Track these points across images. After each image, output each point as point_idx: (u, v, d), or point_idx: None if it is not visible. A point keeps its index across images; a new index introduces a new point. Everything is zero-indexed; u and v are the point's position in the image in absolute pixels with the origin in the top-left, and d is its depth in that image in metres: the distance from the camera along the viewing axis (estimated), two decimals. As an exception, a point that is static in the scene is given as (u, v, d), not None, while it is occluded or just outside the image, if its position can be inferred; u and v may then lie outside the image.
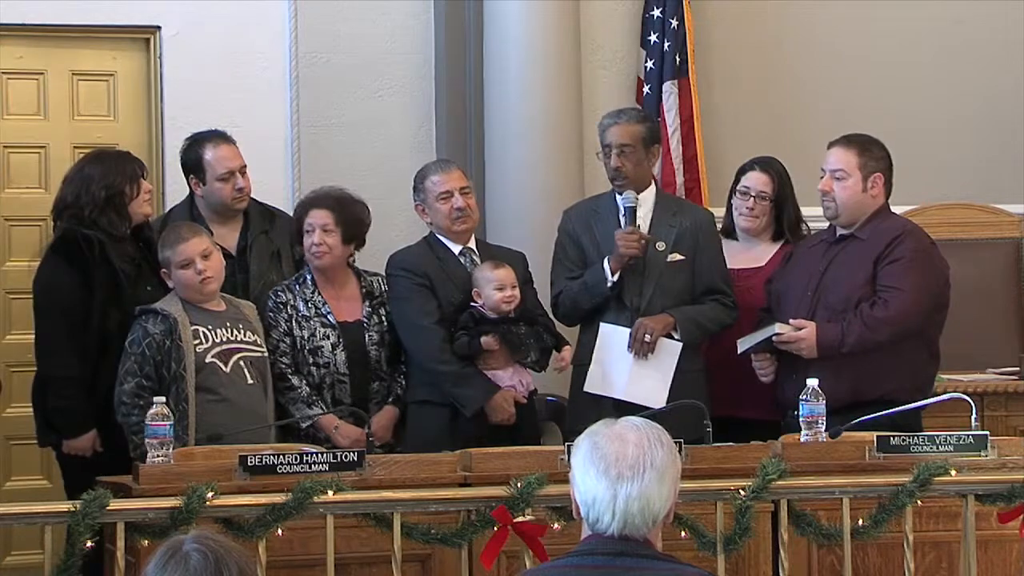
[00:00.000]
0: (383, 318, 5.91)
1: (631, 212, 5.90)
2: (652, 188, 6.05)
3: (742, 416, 5.81)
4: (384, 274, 6.01)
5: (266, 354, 5.65)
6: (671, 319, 5.85)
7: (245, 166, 6.10)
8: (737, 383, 5.89)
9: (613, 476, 3.09)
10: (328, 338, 5.80)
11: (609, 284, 5.89)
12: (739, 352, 5.82)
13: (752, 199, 6.18)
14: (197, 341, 5.48)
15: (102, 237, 5.66)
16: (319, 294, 5.85)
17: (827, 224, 5.96)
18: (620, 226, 5.90)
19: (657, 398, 5.78)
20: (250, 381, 5.55)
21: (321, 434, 5.71)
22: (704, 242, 5.94)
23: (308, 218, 5.85)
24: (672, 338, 5.85)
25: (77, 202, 5.71)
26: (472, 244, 6.01)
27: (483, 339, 5.72)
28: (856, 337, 5.63)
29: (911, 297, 5.66)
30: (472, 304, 5.82)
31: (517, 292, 5.82)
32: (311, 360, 5.79)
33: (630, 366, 5.87)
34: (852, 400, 5.50)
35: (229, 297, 5.69)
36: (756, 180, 6.21)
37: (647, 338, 5.83)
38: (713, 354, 5.98)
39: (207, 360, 5.48)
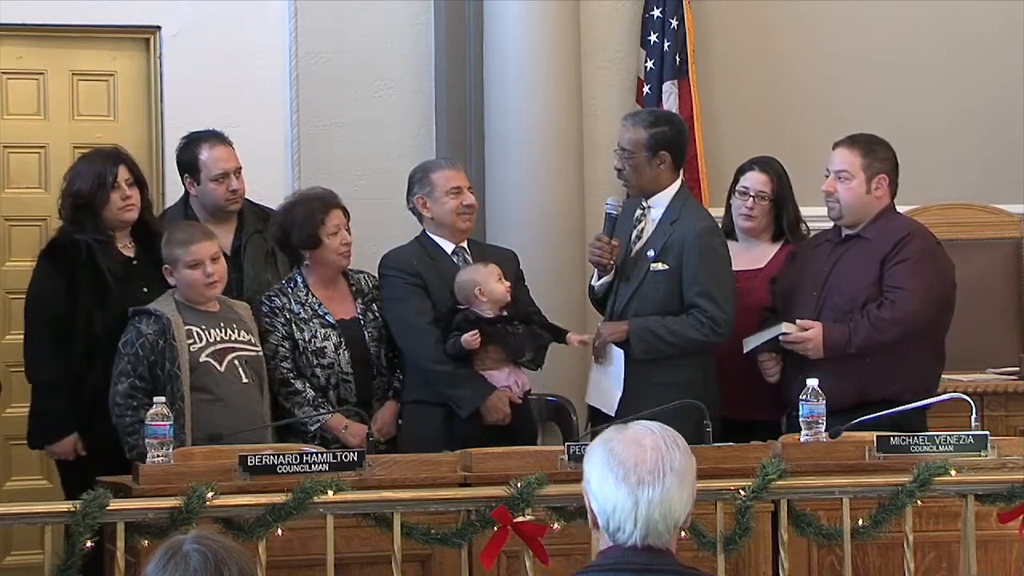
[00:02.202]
0: (376, 314, 5.91)
1: (608, 218, 5.90)
2: (670, 191, 5.91)
3: (744, 417, 5.81)
4: (367, 272, 6.01)
5: (260, 353, 5.65)
6: (624, 327, 5.82)
7: (240, 168, 6.09)
8: (739, 384, 5.88)
9: (633, 482, 2.99)
10: (330, 338, 5.79)
11: (594, 284, 5.98)
12: (744, 351, 5.82)
13: (751, 199, 6.18)
14: (191, 341, 5.47)
15: (91, 240, 5.66)
16: (312, 295, 5.84)
17: (827, 224, 5.97)
18: (632, 228, 5.91)
19: (608, 403, 5.80)
20: (245, 380, 5.55)
21: (329, 435, 5.71)
22: (687, 255, 5.79)
23: (332, 219, 5.81)
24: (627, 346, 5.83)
25: (62, 200, 5.74)
26: (464, 243, 6.00)
27: (464, 337, 5.68)
28: (863, 338, 5.63)
29: (918, 298, 5.66)
30: (459, 307, 5.80)
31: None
32: (315, 362, 5.78)
33: (592, 370, 5.95)
34: (858, 400, 5.50)
35: (222, 298, 5.68)
36: (755, 180, 6.20)
37: (596, 343, 5.86)
38: (716, 354, 5.96)
39: (201, 360, 5.47)
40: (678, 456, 3.04)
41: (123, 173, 5.75)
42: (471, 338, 5.68)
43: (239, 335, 5.59)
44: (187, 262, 5.52)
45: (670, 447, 3.05)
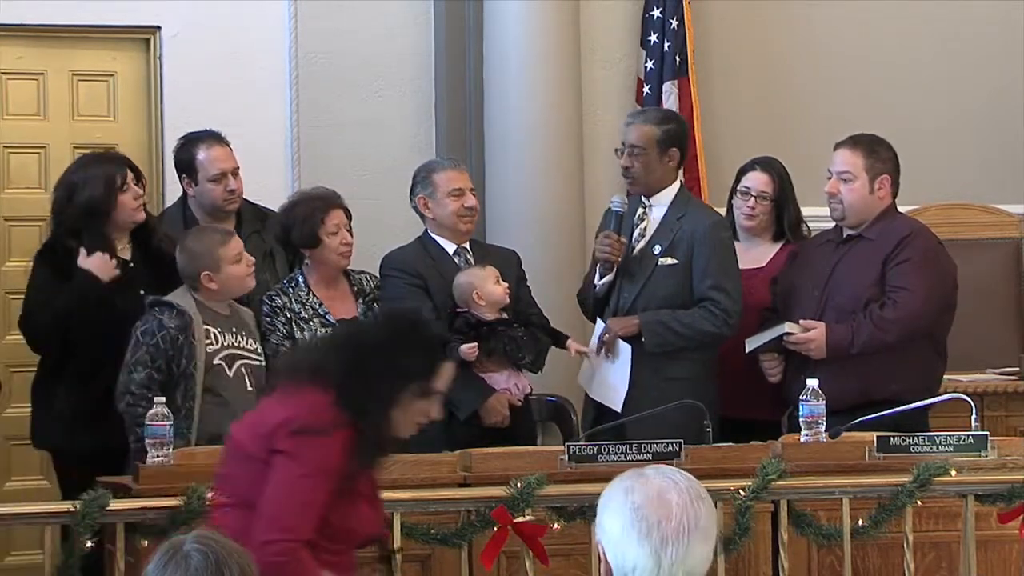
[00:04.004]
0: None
1: (614, 216, 5.90)
2: (671, 189, 5.94)
3: (744, 417, 5.81)
4: (369, 272, 6.00)
5: (263, 363, 5.63)
6: (635, 321, 5.81)
7: (238, 168, 6.09)
8: (740, 383, 5.88)
9: (656, 542, 2.83)
10: (330, 338, 5.79)
11: (595, 285, 5.95)
12: (747, 351, 5.82)
13: (753, 199, 6.18)
14: (208, 341, 5.45)
15: (85, 247, 5.65)
16: (313, 295, 5.84)
17: (828, 224, 5.97)
18: (633, 227, 5.92)
19: (615, 400, 5.79)
20: (249, 388, 5.52)
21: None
22: (698, 249, 5.80)
23: (332, 219, 5.80)
24: (637, 341, 5.81)
25: (62, 212, 5.71)
26: (466, 244, 5.99)
27: (461, 348, 5.66)
28: (865, 338, 5.63)
29: (921, 297, 5.66)
30: (460, 311, 5.79)
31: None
32: (313, 361, 5.77)
33: (598, 365, 5.92)
34: (860, 400, 5.50)
35: (231, 302, 5.67)
36: (757, 180, 6.21)
37: (605, 338, 5.85)
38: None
39: (215, 362, 5.45)
40: (703, 512, 2.88)
41: (130, 175, 5.76)
42: (468, 350, 5.67)
43: (247, 343, 5.57)
44: (232, 258, 5.51)
45: (695, 502, 2.88)
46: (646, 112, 6.14)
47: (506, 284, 5.81)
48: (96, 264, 5.62)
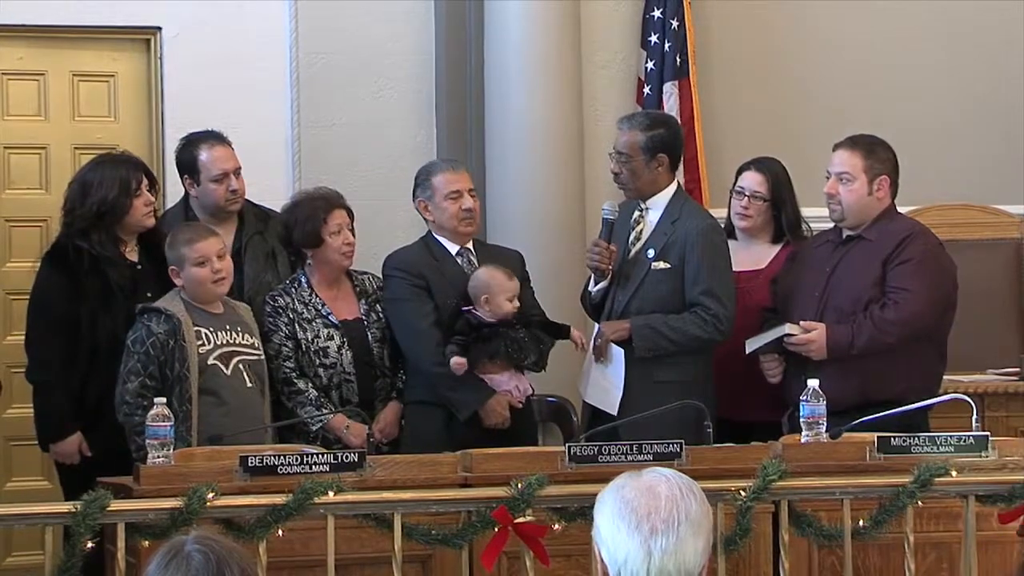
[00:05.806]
0: (380, 315, 5.91)
1: (605, 224, 5.90)
2: (667, 193, 5.94)
3: (743, 418, 5.81)
4: (372, 273, 6.01)
5: (263, 357, 5.64)
6: (626, 326, 5.82)
7: (240, 168, 6.09)
8: (738, 385, 5.88)
9: (646, 532, 2.84)
10: (333, 339, 5.79)
11: (591, 290, 5.97)
12: (747, 352, 5.82)
13: (746, 199, 6.19)
14: (200, 342, 5.46)
15: (94, 251, 5.65)
16: (316, 295, 5.84)
17: (828, 225, 5.97)
18: (629, 230, 5.91)
19: (609, 403, 5.79)
20: (249, 384, 5.54)
21: (331, 435, 5.70)
22: (690, 253, 5.80)
23: (334, 219, 5.81)
24: (629, 345, 5.82)
25: (73, 211, 5.72)
26: (469, 244, 6.00)
27: (452, 361, 5.66)
28: (866, 339, 5.63)
29: (921, 298, 5.66)
30: (464, 309, 5.79)
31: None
32: (317, 362, 5.78)
33: (592, 369, 5.93)
34: (861, 401, 5.49)
35: (225, 299, 5.68)
36: (750, 180, 6.22)
37: (598, 342, 5.85)
38: (715, 355, 5.96)
39: (209, 362, 5.46)
40: (694, 505, 2.88)
41: (144, 179, 5.78)
42: (457, 365, 5.66)
43: (243, 338, 5.58)
44: (194, 260, 5.50)
45: (685, 495, 2.89)
46: (634, 117, 6.12)
47: (516, 304, 5.77)
48: (64, 449, 5.69)
